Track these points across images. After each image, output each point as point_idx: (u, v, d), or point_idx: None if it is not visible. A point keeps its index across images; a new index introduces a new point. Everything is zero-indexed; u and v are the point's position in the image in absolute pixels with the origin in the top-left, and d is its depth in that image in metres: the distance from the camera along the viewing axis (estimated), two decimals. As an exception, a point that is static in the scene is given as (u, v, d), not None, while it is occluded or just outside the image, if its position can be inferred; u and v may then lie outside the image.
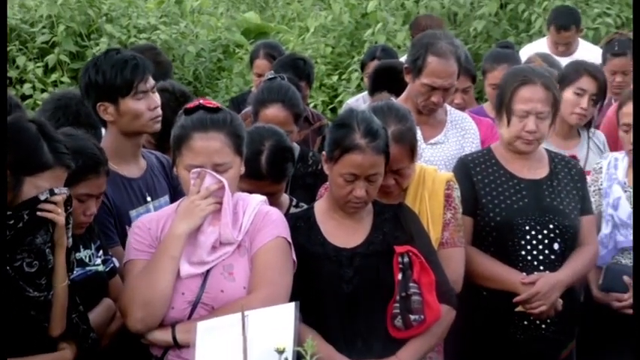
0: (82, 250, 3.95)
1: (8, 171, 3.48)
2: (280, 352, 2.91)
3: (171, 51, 11.53)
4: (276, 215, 3.92)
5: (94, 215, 3.98)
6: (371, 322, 3.98)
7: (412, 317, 3.93)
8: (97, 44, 11.21)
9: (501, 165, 4.71)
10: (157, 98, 4.42)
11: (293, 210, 4.51)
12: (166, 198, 4.47)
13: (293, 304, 3.26)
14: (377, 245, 4.05)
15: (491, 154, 4.76)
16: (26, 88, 11.13)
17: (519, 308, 4.55)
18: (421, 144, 4.92)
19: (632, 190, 5.01)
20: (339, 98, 11.14)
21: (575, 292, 4.74)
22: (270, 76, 5.65)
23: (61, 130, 3.93)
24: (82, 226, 3.93)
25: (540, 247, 4.57)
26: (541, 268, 4.56)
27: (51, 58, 11.36)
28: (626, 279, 4.91)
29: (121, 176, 4.36)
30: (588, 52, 8.02)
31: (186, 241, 3.76)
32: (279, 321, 3.16)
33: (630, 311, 4.89)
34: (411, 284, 3.94)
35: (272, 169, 4.37)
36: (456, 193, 4.44)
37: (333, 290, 3.98)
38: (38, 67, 11.34)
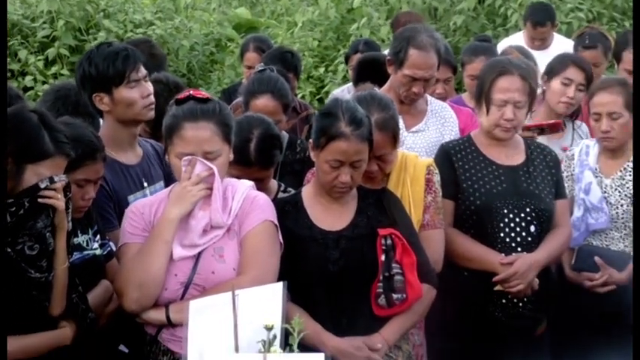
0: (80, 235, 3.94)
1: (10, 159, 3.48)
2: (269, 329, 2.91)
3: (166, 45, 11.50)
4: (264, 200, 3.92)
5: (92, 199, 3.97)
6: (356, 300, 3.99)
7: (395, 296, 3.95)
8: (95, 38, 11.13)
9: (481, 152, 4.71)
10: (149, 86, 4.42)
11: (281, 195, 4.51)
12: (161, 184, 4.47)
13: (281, 283, 3.26)
14: (361, 228, 4.05)
15: (472, 141, 4.77)
16: (28, 81, 11.08)
17: (498, 287, 4.55)
18: (403, 132, 4.93)
19: (602, 176, 5.02)
20: (325, 89, 11.13)
21: (550, 272, 4.75)
22: (259, 68, 5.66)
23: (59, 119, 3.92)
24: (80, 210, 3.92)
25: (518, 229, 4.58)
26: (518, 249, 4.57)
27: (51, 52, 11.31)
28: (597, 259, 4.93)
29: (120, 163, 4.36)
30: (562, 45, 8.02)
31: (178, 225, 3.75)
32: (268, 300, 3.15)
33: (601, 289, 4.92)
34: (393, 265, 3.95)
35: (260, 156, 4.37)
36: (436, 178, 4.45)
37: (319, 271, 3.98)
38: (39, 60, 11.29)
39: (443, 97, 6.18)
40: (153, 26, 11.85)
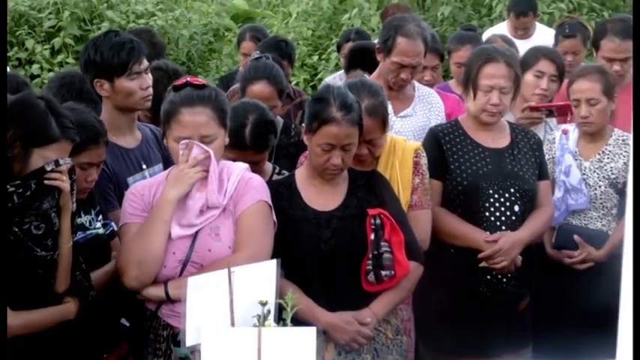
0: (82, 215, 3.93)
1: (18, 143, 3.49)
2: (263, 304, 2.90)
3: (166, 35, 11.48)
4: (258, 181, 3.91)
5: (94, 181, 3.97)
6: (346, 277, 3.99)
7: (384, 273, 3.95)
8: (99, 28, 11.09)
9: (468, 135, 4.70)
10: (149, 79, 4.41)
11: (276, 177, 4.50)
12: (160, 166, 4.46)
13: (274, 260, 3.25)
14: (352, 208, 4.05)
15: (459, 125, 4.76)
16: (34, 69, 11.08)
17: (483, 264, 4.55)
18: (392, 117, 4.93)
19: (582, 159, 5.02)
20: (319, 76, 11.12)
21: (532, 250, 4.75)
22: (256, 56, 5.63)
23: (64, 104, 3.91)
24: (84, 191, 3.91)
25: (502, 208, 4.57)
26: (503, 227, 4.56)
27: (57, 41, 11.30)
28: (577, 238, 4.94)
29: (119, 146, 4.35)
30: (544, 34, 8.02)
31: (176, 205, 3.75)
32: (262, 276, 3.14)
33: (580, 266, 4.92)
34: (382, 243, 3.95)
35: (255, 141, 4.37)
36: (424, 161, 4.45)
37: (312, 249, 3.98)
38: (45, 49, 11.27)
39: (431, 84, 6.17)
40: (154, 17, 11.84)
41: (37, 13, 11.69)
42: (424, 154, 4.47)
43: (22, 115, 3.52)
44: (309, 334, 2.76)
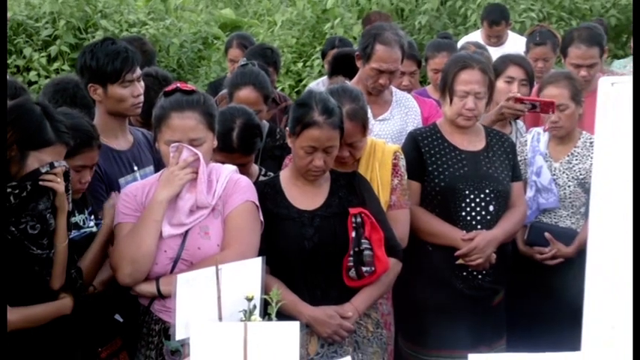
0: (76, 214, 3.92)
1: (15, 146, 3.47)
2: (249, 299, 2.90)
3: (158, 43, 11.50)
4: (245, 182, 3.90)
5: (88, 183, 3.96)
6: (329, 273, 3.98)
7: (364, 269, 3.95)
8: (94, 37, 11.08)
9: (445, 138, 4.70)
10: (140, 87, 4.39)
11: (262, 178, 4.49)
12: (151, 168, 4.44)
13: (260, 258, 3.25)
14: (334, 208, 4.05)
15: (437, 129, 4.76)
16: (32, 75, 11.09)
17: (460, 261, 4.56)
18: (371, 120, 4.90)
19: (552, 160, 5.03)
20: (303, 82, 11.12)
21: (506, 247, 4.76)
22: (242, 63, 5.63)
23: (58, 109, 3.90)
24: (78, 192, 3.91)
25: (478, 208, 4.58)
26: (478, 226, 4.57)
27: (53, 49, 11.30)
28: (547, 235, 4.94)
29: (111, 149, 4.33)
30: (516, 42, 8.06)
31: (167, 206, 3.74)
32: (248, 273, 3.13)
33: (550, 262, 4.93)
34: (363, 241, 3.95)
35: (242, 144, 4.37)
36: (402, 163, 4.45)
37: (296, 247, 3.98)
38: (42, 57, 11.27)
39: (409, 89, 6.18)
40: (146, 26, 11.88)
41: (35, 23, 11.68)
42: (402, 156, 4.47)
43: (19, 120, 3.51)
44: (293, 327, 2.75)
